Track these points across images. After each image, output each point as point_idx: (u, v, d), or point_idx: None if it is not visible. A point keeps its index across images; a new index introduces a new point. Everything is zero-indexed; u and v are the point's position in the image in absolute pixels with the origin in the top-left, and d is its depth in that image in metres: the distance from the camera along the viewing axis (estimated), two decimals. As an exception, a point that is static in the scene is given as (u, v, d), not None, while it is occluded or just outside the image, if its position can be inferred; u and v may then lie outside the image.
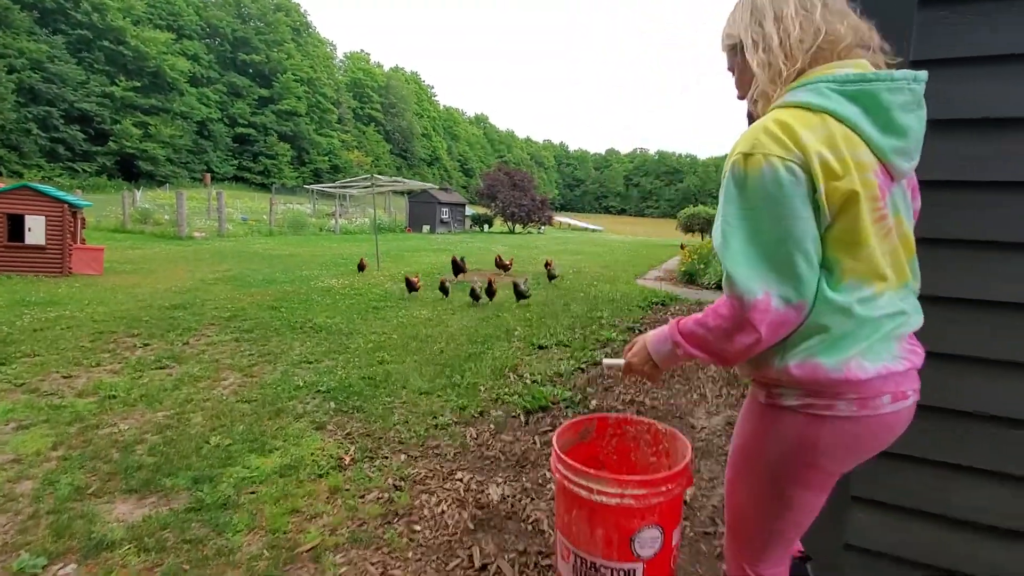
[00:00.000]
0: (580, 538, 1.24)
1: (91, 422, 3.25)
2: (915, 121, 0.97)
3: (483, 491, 2.54)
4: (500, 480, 2.66)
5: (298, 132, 57.32)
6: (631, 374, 1.20)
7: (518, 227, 37.11)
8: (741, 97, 1.14)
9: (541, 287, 9.63)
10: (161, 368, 4.51)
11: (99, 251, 10.05)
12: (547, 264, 10.64)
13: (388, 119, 77.48)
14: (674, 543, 1.29)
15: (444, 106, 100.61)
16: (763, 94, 1.03)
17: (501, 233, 34.67)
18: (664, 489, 1.19)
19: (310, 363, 4.76)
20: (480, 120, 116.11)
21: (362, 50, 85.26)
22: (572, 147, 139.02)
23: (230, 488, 2.49)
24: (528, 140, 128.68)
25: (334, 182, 11.26)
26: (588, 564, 1.24)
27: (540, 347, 5.41)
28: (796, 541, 1.11)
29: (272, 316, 6.63)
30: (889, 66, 1.03)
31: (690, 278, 11.32)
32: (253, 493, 2.47)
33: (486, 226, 37.19)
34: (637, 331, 6.36)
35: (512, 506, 2.42)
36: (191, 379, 4.20)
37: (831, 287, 0.96)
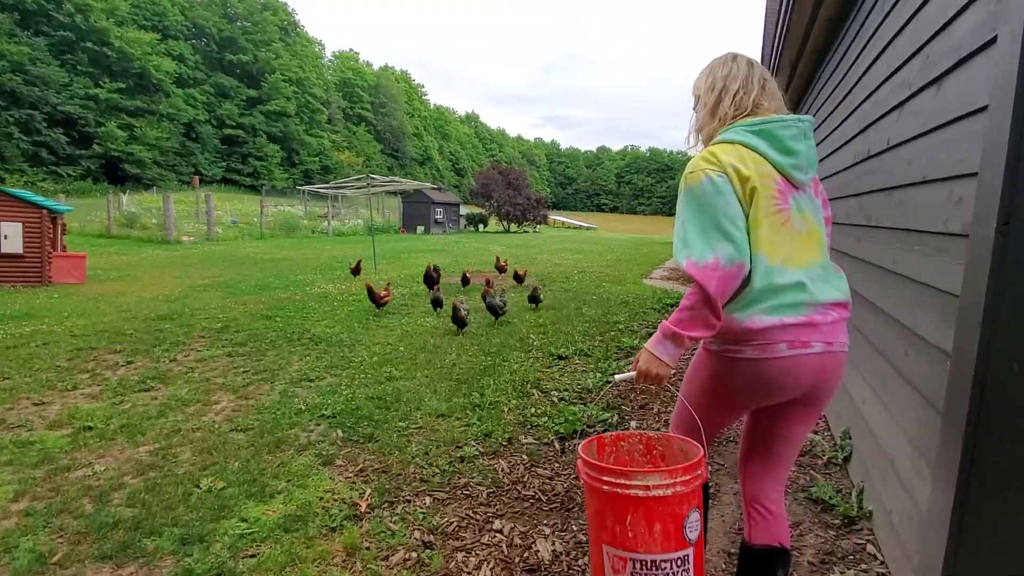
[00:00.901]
0: (638, 540, 1.27)
1: (62, 463, 2.81)
2: (803, 147, 1.39)
3: (530, 546, 2.13)
4: (547, 530, 2.25)
5: (287, 133, 56.52)
6: (645, 380, 1.39)
7: (513, 226, 36.70)
8: (696, 130, 1.58)
9: (537, 294, 9.24)
10: (145, 390, 4.06)
11: (80, 258, 9.53)
12: (517, 275, 9.76)
13: (378, 119, 76.70)
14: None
15: (434, 105, 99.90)
16: (704, 136, 1.52)
17: (496, 233, 34.25)
18: (699, 472, 1.30)
19: (311, 381, 4.32)
20: (471, 119, 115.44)
21: (351, 49, 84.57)
22: (563, 145, 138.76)
23: (225, 550, 2.07)
24: (519, 138, 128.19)
25: (327, 183, 10.74)
26: (648, 563, 1.27)
27: (560, 357, 5.00)
28: (703, 436, 1.41)
29: (267, 327, 6.18)
30: None
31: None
32: (253, 556, 2.05)
33: (481, 226, 36.74)
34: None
35: (568, 567, 2.01)
36: (178, 403, 3.76)
37: (754, 259, 1.32)
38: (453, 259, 14.96)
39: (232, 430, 3.29)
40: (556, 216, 47.21)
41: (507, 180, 35.96)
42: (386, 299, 7.05)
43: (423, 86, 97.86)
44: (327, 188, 11.23)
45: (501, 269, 10.89)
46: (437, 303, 6.95)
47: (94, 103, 39.17)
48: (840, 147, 3.71)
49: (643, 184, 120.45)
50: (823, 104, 4.72)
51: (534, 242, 23.95)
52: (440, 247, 19.75)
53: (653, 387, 1.51)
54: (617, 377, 1.47)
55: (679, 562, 1.27)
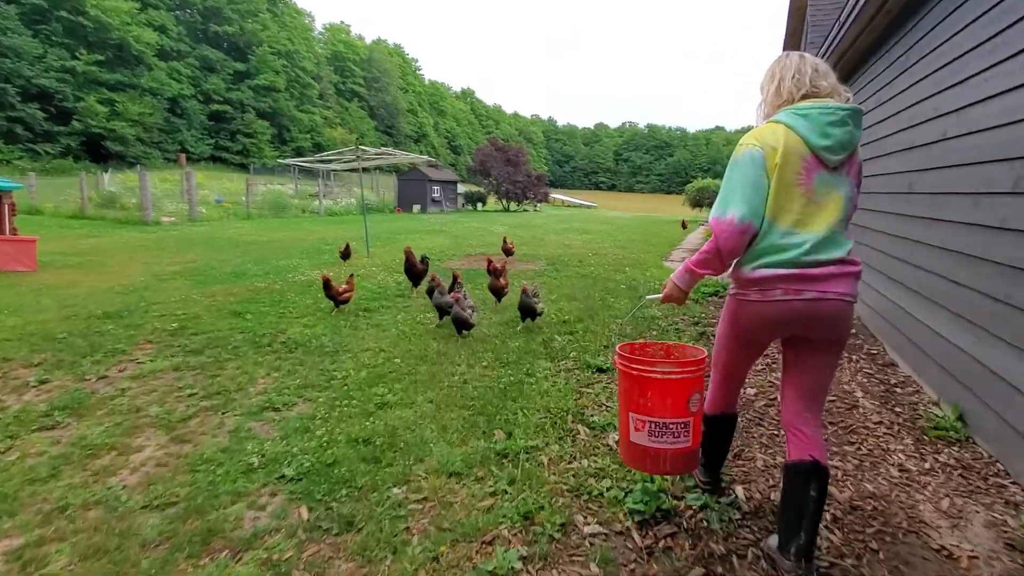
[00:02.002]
0: (654, 408, 1.87)
1: None
2: (839, 132, 1.66)
3: None
4: None
5: (277, 109, 54.49)
6: (668, 300, 1.92)
7: (513, 205, 35.39)
8: (764, 114, 1.88)
9: (552, 275, 8.13)
10: (48, 428, 2.98)
11: (30, 243, 8.35)
12: (495, 287, 6.16)
13: (372, 94, 74.36)
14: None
15: (429, 80, 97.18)
16: (764, 115, 1.84)
17: (496, 212, 32.95)
18: (702, 367, 1.90)
19: (276, 410, 3.24)
20: (467, 95, 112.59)
21: (342, 21, 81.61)
22: (560, 122, 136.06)
23: None
24: (516, 115, 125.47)
25: (297, 150, 9.53)
26: (660, 424, 1.88)
27: (600, 370, 3.93)
28: (731, 382, 2.00)
29: (233, 327, 5.07)
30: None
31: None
32: None
33: (479, 204, 35.41)
34: (707, 335, 4.91)
35: None
36: (84, 452, 2.68)
37: (766, 222, 1.69)
38: (452, 240, 13.81)
39: (144, 507, 2.21)
40: (556, 195, 45.81)
41: (506, 157, 34.51)
42: (347, 295, 5.69)
43: (417, 60, 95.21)
44: (312, 162, 10.04)
45: (509, 252, 9.76)
46: (443, 311, 5.17)
47: (71, 76, 37.21)
48: None
49: (641, 162, 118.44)
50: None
51: (536, 221, 22.75)
52: (438, 227, 18.55)
53: (675, 305, 2.19)
54: (648, 297, 2.12)
55: (682, 425, 1.89)
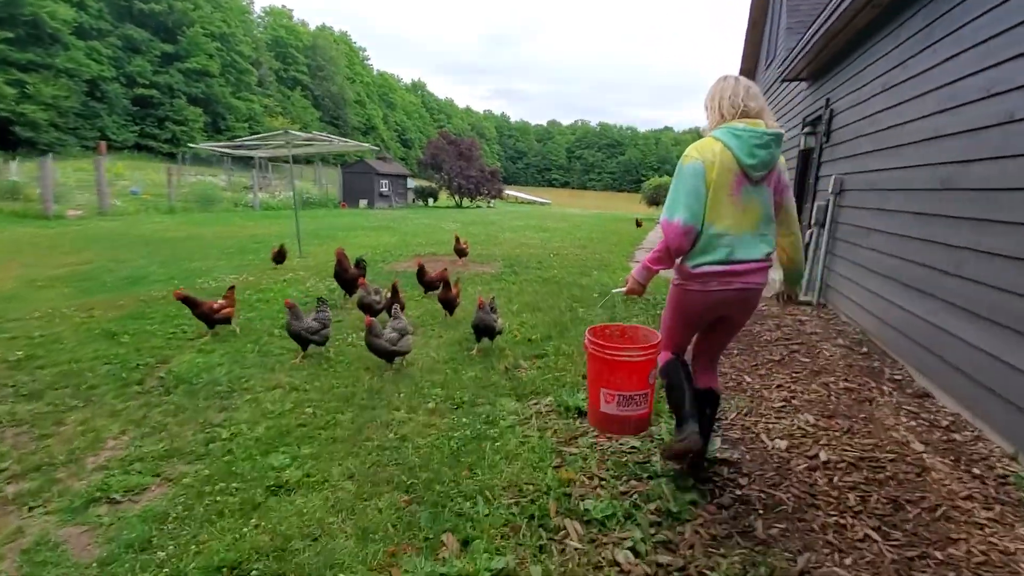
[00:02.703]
0: (622, 384, 2.25)
1: None
2: (763, 154, 2.00)
3: None
4: None
5: (211, 95, 50.91)
6: (631, 293, 2.28)
7: (466, 201, 34.24)
8: (709, 126, 2.18)
9: (510, 279, 7.21)
10: None
11: None
12: (446, 298, 6.91)
13: (316, 83, 71.07)
14: None
15: (378, 71, 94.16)
16: (706, 130, 2.15)
17: (447, 208, 31.71)
18: (656, 349, 2.29)
19: (114, 502, 2.16)
20: (418, 87, 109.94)
21: (283, 6, 77.66)
22: (513, 118, 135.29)
23: None
24: (468, 110, 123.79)
25: (232, 140, 8.20)
26: (626, 397, 2.25)
27: (582, 413, 3.03)
28: (681, 348, 2.35)
29: (99, 355, 3.87)
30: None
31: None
32: None
33: (430, 200, 34.05)
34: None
35: None
36: None
37: (704, 225, 2.03)
38: (400, 239, 12.66)
39: None
40: (511, 191, 44.92)
41: (459, 150, 33.23)
42: (224, 312, 4.44)
43: (365, 50, 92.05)
44: (228, 147, 8.68)
45: (462, 252, 8.76)
46: (302, 339, 3.94)
47: (-28, 53, 33.22)
48: None
49: (594, 159, 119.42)
50: None
51: (491, 218, 21.75)
52: (385, 224, 17.27)
53: (637, 297, 2.46)
54: (614, 291, 2.62)
55: (643, 396, 2.28)
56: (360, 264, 5.80)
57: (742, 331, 4.32)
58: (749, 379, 3.62)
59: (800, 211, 8.05)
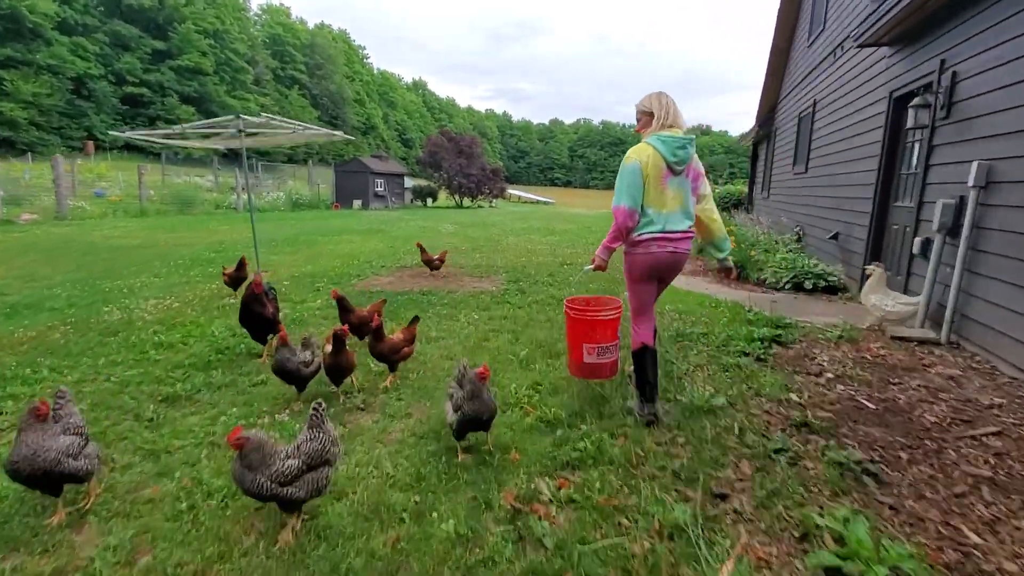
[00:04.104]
0: (601, 338, 2.99)
1: None
2: (682, 153, 2.69)
3: None
4: None
5: (204, 93, 49.38)
6: (598, 270, 2.89)
7: (466, 200, 32.58)
8: (637, 131, 2.86)
9: (515, 299, 5.54)
10: None
11: None
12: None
13: (314, 82, 69.50)
14: None
15: (379, 70, 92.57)
16: (648, 132, 2.76)
17: (447, 208, 30.05)
18: (620, 309, 3.11)
19: None
20: (419, 86, 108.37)
21: (281, 3, 76.06)
22: (515, 117, 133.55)
23: None
24: (470, 109, 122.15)
25: (174, 127, 6.51)
26: (604, 347, 3.00)
27: None
28: (648, 313, 2.91)
29: None
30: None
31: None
32: None
33: (429, 200, 32.42)
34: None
35: None
36: None
37: (643, 208, 2.70)
38: (388, 244, 11.02)
39: None
40: (513, 190, 43.20)
41: (458, 148, 31.59)
42: None
43: (364, 48, 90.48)
44: (153, 136, 7.09)
45: (432, 265, 7.15)
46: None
47: (-52, 49, 31.76)
48: None
49: (596, 158, 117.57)
50: None
51: (492, 219, 20.08)
52: (376, 227, 15.64)
53: (602, 272, 2.88)
54: (585, 268, 3.10)
55: (614, 345, 3.05)
56: (270, 295, 4.02)
57: (896, 417, 2.81)
58: (969, 534, 1.93)
59: (886, 208, 6.37)
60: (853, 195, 6.96)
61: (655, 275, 2.81)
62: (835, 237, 7.45)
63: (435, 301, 5.67)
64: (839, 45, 8.33)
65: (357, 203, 26.34)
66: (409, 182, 32.09)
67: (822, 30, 9.42)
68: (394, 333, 3.29)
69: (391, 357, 3.19)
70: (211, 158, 30.72)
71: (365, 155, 27.82)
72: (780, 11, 12.00)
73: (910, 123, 4.91)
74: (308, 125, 7.55)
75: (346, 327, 2.98)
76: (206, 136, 7.55)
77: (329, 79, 70.96)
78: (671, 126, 2.72)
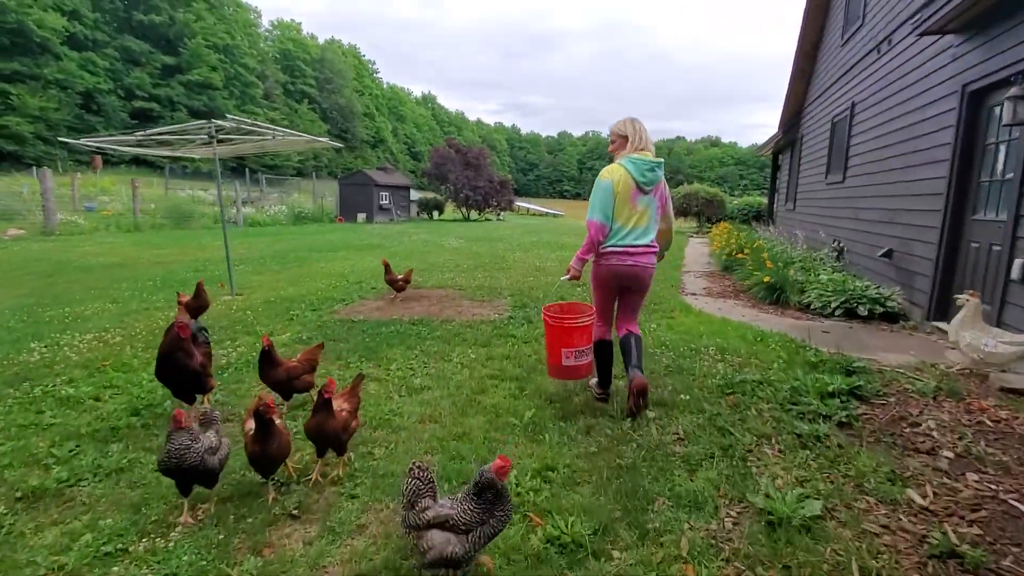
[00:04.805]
0: (577, 343, 3.13)
1: None
2: (651, 175, 3.02)
3: None
4: None
5: (214, 108, 49.30)
6: (573, 279, 3.16)
7: (473, 213, 31.84)
8: (611, 152, 3.22)
9: (518, 330, 4.65)
10: None
11: None
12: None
13: (324, 96, 69.63)
14: None
15: (388, 84, 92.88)
16: (621, 153, 3.11)
17: (454, 221, 29.31)
18: (592, 315, 3.23)
19: None
20: (428, 100, 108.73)
21: (292, 19, 76.65)
22: (524, 130, 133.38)
23: None
24: (479, 122, 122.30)
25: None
26: (580, 350, 3.14)
27: None
28: (607, 316, 3.30)
29: None
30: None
31: (771, 293, 6.62)
32: None
33: (436, 212, 31.72)
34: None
35: None
36: None
37: (612, 223, 3.04)
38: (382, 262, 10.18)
39: None
40: (521, 203, 42.39)
41: (466, 159, 30.84)
42: None
43: (374, 63, 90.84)
44: (107, 142, 6.34)
45: (396, 285, 6.32)
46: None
47: (-44, 64, 31.79)
48: None
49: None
50: None
51: (499, 233, 19.24)
52: (376, 241, 14.86)
53: (576, 281, 3.21)
54: (562, 279, 3.32)
55: (589, 349, 3.18)
56: (201, 336, 3.14)
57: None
58: None
59: (960, 221, 5.33)
60: (912, 206, 6.02)
61: (616, 284, 3.16)
62: (888, 255, 6.49)
63: (425, 334, 4.79)
64: (884, 40, 7.43)
65: (361, 216, 25.66)
66: (415, 195, 31.42)
67: (859, 26, 8.53)
68: (340, 406, 2.40)
69: (339, 432, 2.29)
70: (212, 171, 30.31)
71: (371, 167, 27.22)
72: (806, 11, 11.16)
73: (1007, 119, 3.98)
74: (287, 131, 6.78)
75: (271, 400, 2.08)
76: (170, 143, 6.78)
77: (339, 93, 71.10)
78: (642, 149, 3.05)
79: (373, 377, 3.60)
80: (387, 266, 6.34)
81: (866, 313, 5.68)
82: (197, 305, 4.96)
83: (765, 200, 20.69)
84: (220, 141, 6.30)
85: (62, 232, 14.43)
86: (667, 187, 3.21)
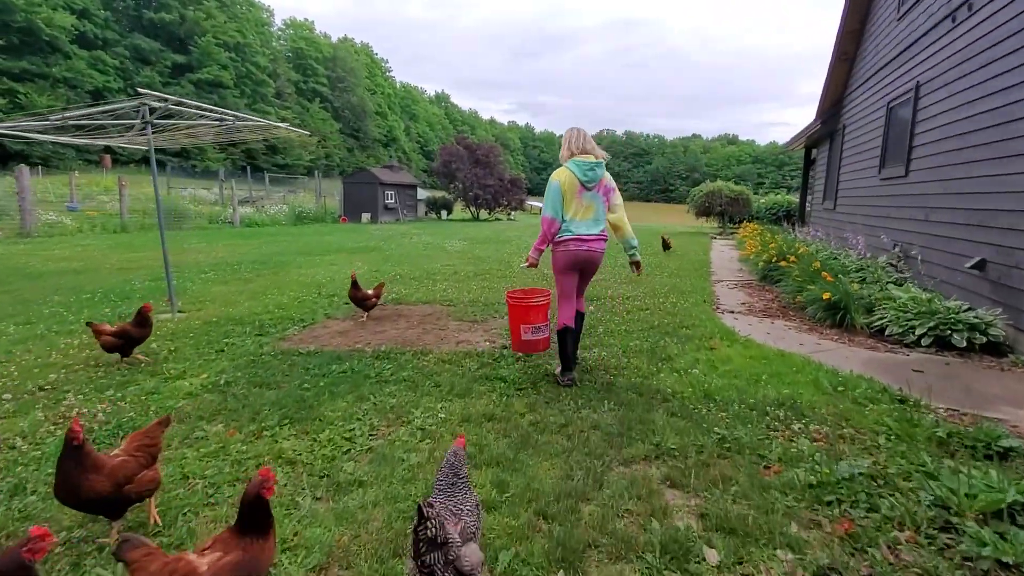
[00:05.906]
0: (535, 319, 3.79)
1: None
2: (592, 174, 3.56)
3: None
4: None
5: (224, 106, 48.86)
6: (531, 267, 3.81)
7: (484, 213, 30.68)
8: (563, 156, 3.76)
9: (520, 375, 3.48)
10: None
11: None
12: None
13: (336, 95, 69.05)
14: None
15: (401, 83, 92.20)
16: (564, 160, 3.70)
17: (462, 221, 28.17)
18: (549, 297, 3.93)
19: None
20: (441, 99, 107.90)
21: (305, 19, 76.22)
22: (538, 129, 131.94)
23: None
24: (492, 121, 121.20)
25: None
26: (536, 327, 3.80)
27: None
28: (571, 298, 3.71)
29: None
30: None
31: (832, 313, 5.34)
32: None
33: (444, 212, 30.62)
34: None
35: None
36: None
37: (564, 217, 3.57)
38: (375, 267, 9.08)
39: None
40: (534, 202, 41.10)
41: (475, 157, 29.67)
42: None
43: (387, 61, 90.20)
44: (29, 130, 5.33)
45: (366, 304, 5.17)
46: None
47: (-37, 63, 31.48)
48: None
49: (620, 169, 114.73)
50: None
51: (508, 234, 18.04)
52: (374, 243, 13.79)
53: (534, 268, 3.73)
54: (522, 266, 3.90)
55: (546, 325, 3.86)
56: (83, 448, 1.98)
57: None
58: None
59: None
60: (1016, 206, 4.71)
61: (575, 267, 3.62)
62: (980, 266, 5.17)
63: (388, 375, 3.64)
64: (963, 4, 6.11)
65: (366, 216, 24.66)
66: (423, 193, 30.36)
67: (913, 2, 7.20)
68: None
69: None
70: (218, 170, 29.58)
71: (376, 165, 26.24)
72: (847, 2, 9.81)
73: None
74: (242, 115, 5.69)
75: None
76: (99, 129, 5.73)
77: (351, 92, 70.48)
78: (584, 152, 3.61)
79: (287, 458, 2.45)
80: (355, 281, 5.21)
81: (964, 344, 4.40)
82: (139, 335, 3.85)
83: (794, 198, 19.25)
84: (158, 130, 5.21)
85: (41, 234, 13.58)
86: (612, 180, 3.71)
